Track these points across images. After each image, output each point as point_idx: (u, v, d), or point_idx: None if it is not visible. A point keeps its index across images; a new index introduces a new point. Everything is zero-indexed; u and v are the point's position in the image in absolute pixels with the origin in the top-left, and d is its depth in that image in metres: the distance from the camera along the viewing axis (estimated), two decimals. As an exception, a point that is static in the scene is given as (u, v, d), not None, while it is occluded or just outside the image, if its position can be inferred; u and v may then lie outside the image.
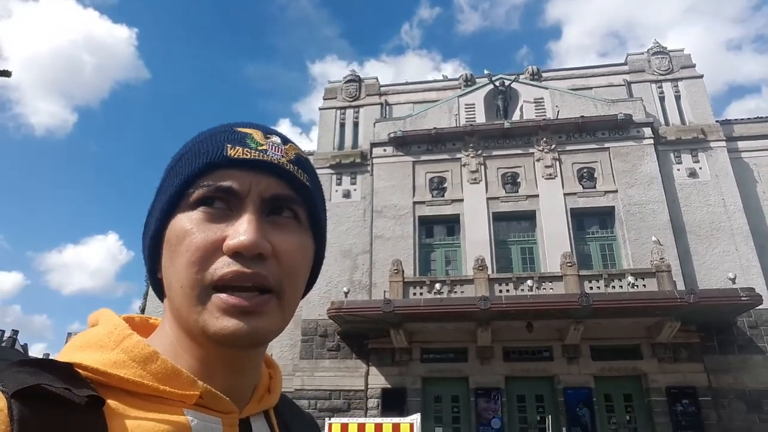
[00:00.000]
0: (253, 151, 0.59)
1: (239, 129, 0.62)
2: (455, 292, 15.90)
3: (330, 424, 10.49)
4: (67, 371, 0.52)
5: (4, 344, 54.39)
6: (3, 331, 56.81)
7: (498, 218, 18.08)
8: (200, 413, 0.57)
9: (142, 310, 21.72)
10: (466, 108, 20.41)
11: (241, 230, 0.55)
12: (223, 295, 0.54)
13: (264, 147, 0.60)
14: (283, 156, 0.61)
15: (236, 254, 0.55)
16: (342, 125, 21.47)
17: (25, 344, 57.52)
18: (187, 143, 0.64)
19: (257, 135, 0.61)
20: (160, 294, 0.64)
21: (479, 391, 15.34)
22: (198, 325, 0.55)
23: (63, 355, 0.57)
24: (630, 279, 14.81)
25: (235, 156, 0.58)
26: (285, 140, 0.64)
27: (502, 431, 14.69)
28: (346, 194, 19.64)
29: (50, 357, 0.60)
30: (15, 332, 58.29)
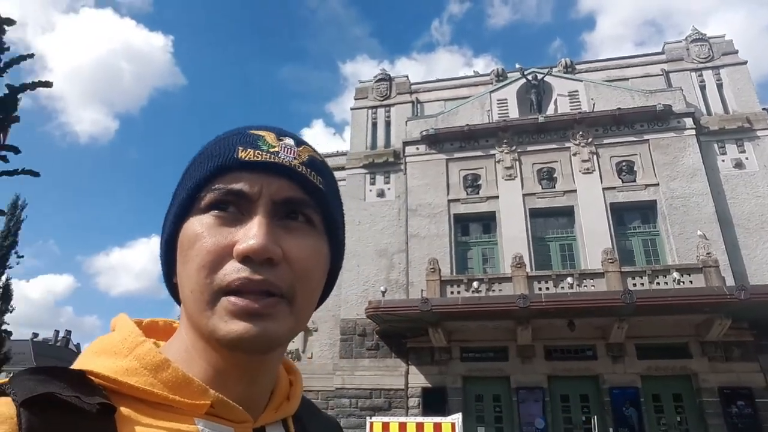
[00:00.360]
0: (264, 153, 0.58)
1: (252, 131, 0.61)
2: (493, 290, 15.75)
3: (371, 423, 10.53)
4: (79, 379, 0.52)
5: (59, 344, 56.35)
6: (57, 332, 58.83)
7: (535, 215, 17.82)
8: (212, 422, 0.56)
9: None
10: (498, 103, 20.17)
11: (251, 234, 0.54)
12: (232, 298, 0.53)
13: (276, 149, 0.59)
14: (295, 158, 0.59)
15: (246, 259, 0.54)
16: (374, 124, 21.46)
17: (78, 344, 59.42)
18: (203, 146, 0.63)
19: (270, 137, 0.60)
20: (177, 299, 0.63)
21: (521, 391, 15.18)
22: (208, 329, 0.54)
23: (80, 360, 0.58)
24: (675, 275, 14.39)
25: (246, 158, 0.57)
26: (299, 142, 0.62)
27: (547, 431, 14.52)
28: (380, 193, 19.64)
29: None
30: (68, 332, 60.30)
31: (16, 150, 5.44)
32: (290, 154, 0.59)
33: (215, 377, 0.57)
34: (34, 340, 50.81)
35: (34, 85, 4.94)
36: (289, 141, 0.60)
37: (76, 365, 0.56)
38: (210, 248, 0.55)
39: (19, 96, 4.93)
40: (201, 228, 0.56)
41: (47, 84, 4.98)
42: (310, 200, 0.59)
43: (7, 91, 4.78)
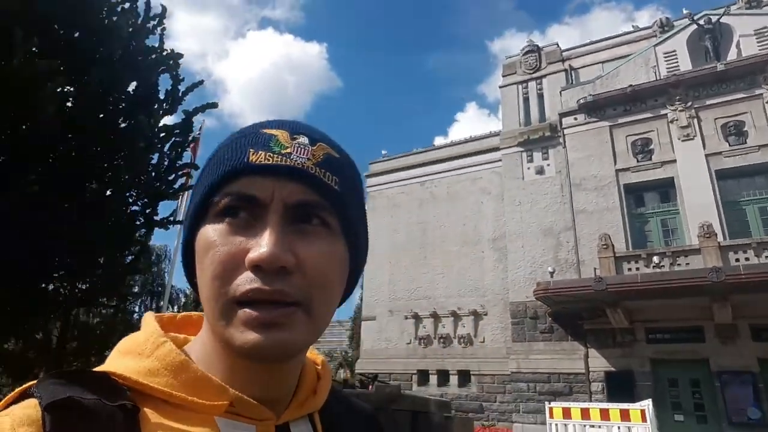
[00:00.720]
0: (276, 155, 0.55)
1: (265, 130, 0.58)
2: (678, 264, 14.33)
3: (551, 408, 10.23)
4: (103, 381, 0.53)
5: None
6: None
7: (723, 176, 15.78)
8: (232, 421, 0.56)
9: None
10: (665, 57, 18.14)
11: (263, 243, 0.52)
12: (246, 310, 0.52)
13: (288, 150, 0.56)
14: (309, 158, 0.56)
15: (257, 268, 0.51)
16: (526, 99, 20.65)
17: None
18: (217, 147, 0.61)
19: (282, 136, 0.57)
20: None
21: (724, 375, 13.64)
22: (224, 338, 0.53)
23: (108, 360, 0.59)
24: None
25: (257, 162, 0.55)
26: (314, 140, 0.58)
27: (763, 422, 12.86)
28: (540, 171, 18.89)
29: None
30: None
31: (196, 167, 6.11)
32: (303, 154, 0.56)
33: (235, 378, 0.57)
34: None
35: (203, 108, 5.46)
36: (303, 139, 0.57)
37: (104, 365, 0.58)
38: (222, 258, 0.53)
39: (194, 119, 5.47)
40: (214, 236, 0.55)
41: (213, 105, 5.53)
42: (324, 202, 0.56)
43: (184, 116, 5.34)
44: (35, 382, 0.52)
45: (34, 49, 3.91)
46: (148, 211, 5.31)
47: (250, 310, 0.52)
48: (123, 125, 4.91)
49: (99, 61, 4.57)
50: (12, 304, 4.49)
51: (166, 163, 5.41)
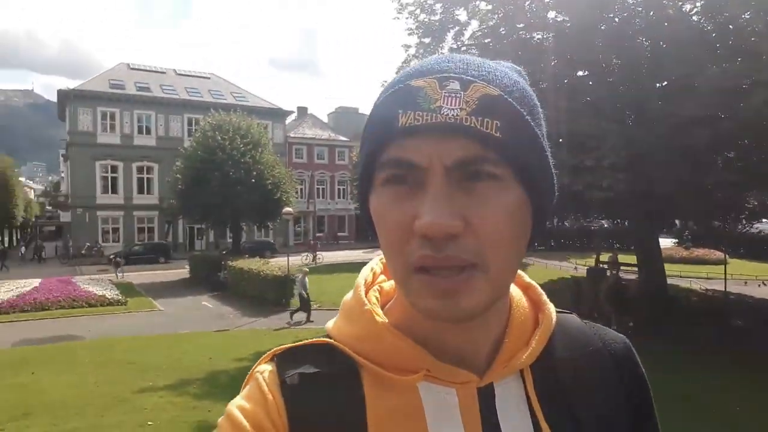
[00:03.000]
0: (425, 113, 0.50)
1: (413, 83, 0.53)
2: None
3: None
4: (327, 351, 0.60)
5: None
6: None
7: None
8: (433, 385, 0.57)
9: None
10: None
11: (425, 210, 0.49)
12: (422, 276, 0.51)
13: (438, 103, 0.51)
14: (462, 108, 0.50)
15: (425, 236, 0.50)
16: None
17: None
18: (374, 105, 0.57)
19: (431, 87, 0.52)
20: None
21: None
22: (409, 301, 0.54)
23: (332, 323, 0.65)
24: None
25: (407, 124, 0.51)
26: (467, 82, 0.52)
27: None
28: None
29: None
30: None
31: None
32: (455, 104, 0.50)
33: (431, 339, 0.57)
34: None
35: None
36: (454, 85, 0.52)
37: (330, 326, 0.64)
38: (391, 227, 0.53)
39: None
40: (380, 206, 0.54)
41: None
42: (487, 153, 0.51)
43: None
44: (278, 349, 0.61)
45: None
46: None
47: (425, 277, 0.51)
48: None
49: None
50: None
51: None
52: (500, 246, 0.52)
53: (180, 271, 27.22)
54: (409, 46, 14.56)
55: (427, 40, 14.36)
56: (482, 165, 0.51)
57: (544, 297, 0.66)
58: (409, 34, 14.49)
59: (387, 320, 0.59)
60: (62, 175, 59.53)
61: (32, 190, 73.63)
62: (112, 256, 28.11)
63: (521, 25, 13.00)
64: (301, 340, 0.63)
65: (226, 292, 20.69)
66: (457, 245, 0.50)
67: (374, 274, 0.67)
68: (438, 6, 13.92)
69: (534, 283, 0.68)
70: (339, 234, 48.09)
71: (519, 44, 12.69)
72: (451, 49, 13.77)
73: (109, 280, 23.85)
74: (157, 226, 38.74)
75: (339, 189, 48.99)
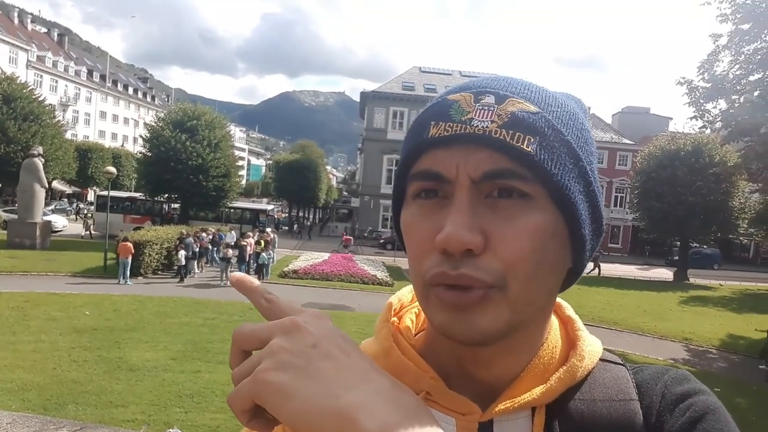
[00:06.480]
0: (456, 124, 0.49)
1: (449, 97, 0.52)
2: None
3: None
4: None
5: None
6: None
7: None
8: (433, 411, 0.52)
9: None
10: None
11: (447, 224, 0.47)
12: (438, 291, 0.49)
13: (469, 115, 0.49)
14: (493, 120, 0.48)
15: (444, 250, 0.48)
16: None
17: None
18: (416, 118, 0.56)
19: (465, 100, 0.50)
20: None
21: None
22: (427, 316, 0.53)
23: (368, 339, 0.62)
24: None
25: (437, 135, 0.50)
26: (503, 96, 0.50)
27: None
28: None
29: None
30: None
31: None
32: (486, 117, 0.48)
33: (452, 359, 0.55)
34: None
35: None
36: (489, 99, 0.50)
37: (361, 344, 0.60)
38: (417, 241, 0.51)
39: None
40: (409, 218, 0.53)
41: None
42: (517, 169, 0.48)
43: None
44: None
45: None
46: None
47: (441, 292, 0.49)
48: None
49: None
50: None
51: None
52: (521, 268, 0.49)
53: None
54: (719, 36, 12.55)
55: (746, 26, 12.07)
56: (511, 180, 0.48)
57: (583, 334, 0.59)
58: (722, 21, 12.35)
59: (404, 339, 0.58)
60: (357, 165, 69.19)
61: (334, 177, 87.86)
62: (381, 241, 32.92)
63: None
64: None
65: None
66: (475, 264, 0.48)
67: (413, 296, 0.65)
68: None
69: (575, 317, 0.61)
70: (610, 245, 45.13)
71: None
72: None
73: (382, 262, 26.61)
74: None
75: (616, 197, 46.08)
